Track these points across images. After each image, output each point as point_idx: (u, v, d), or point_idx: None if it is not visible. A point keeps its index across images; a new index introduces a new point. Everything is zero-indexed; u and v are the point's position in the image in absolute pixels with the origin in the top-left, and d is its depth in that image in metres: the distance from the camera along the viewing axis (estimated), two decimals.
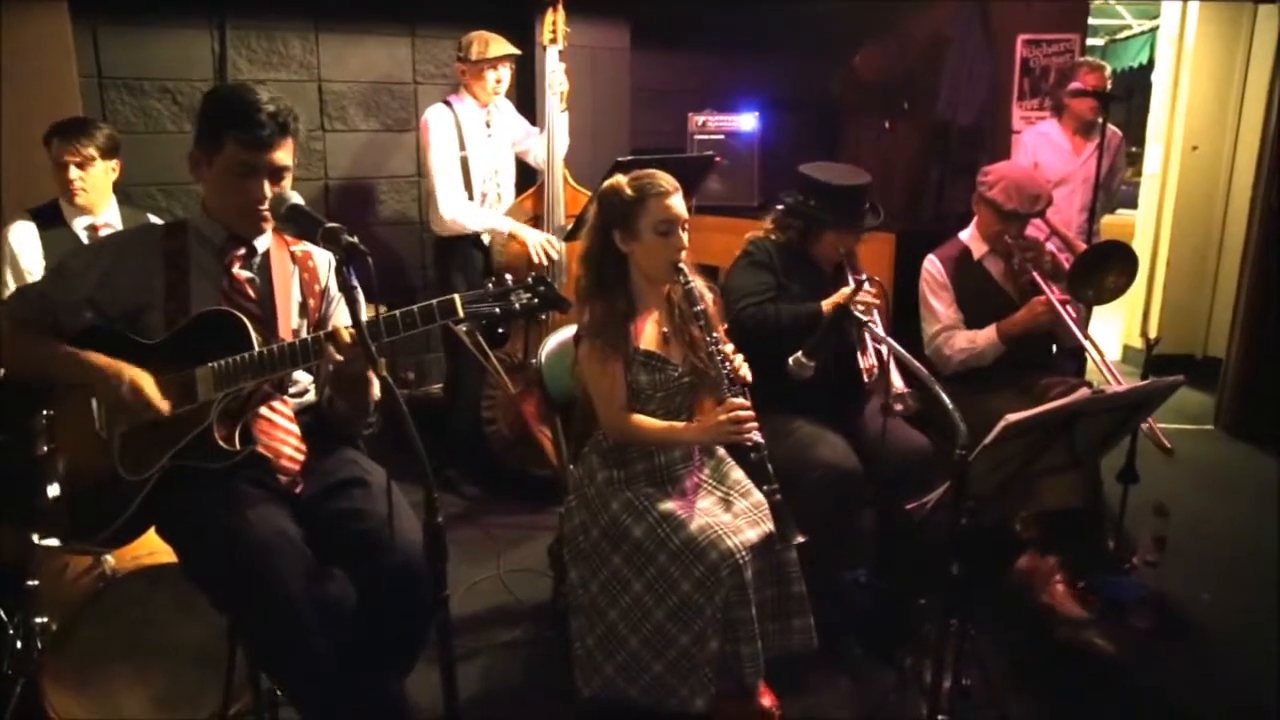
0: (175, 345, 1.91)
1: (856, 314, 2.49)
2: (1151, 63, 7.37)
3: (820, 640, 2.36)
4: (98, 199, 2.95)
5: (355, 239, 1.67)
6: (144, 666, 2.25)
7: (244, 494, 1.90)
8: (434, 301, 1.87)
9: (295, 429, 2.03)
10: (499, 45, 3.73)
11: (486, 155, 3.87)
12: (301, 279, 2.12)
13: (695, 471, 2.40)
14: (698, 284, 2.29)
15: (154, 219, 3.02)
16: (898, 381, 2.58)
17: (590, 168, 4.01)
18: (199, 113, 1.98)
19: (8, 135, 3.21)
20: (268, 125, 1.89)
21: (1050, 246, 3.22)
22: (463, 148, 3.77)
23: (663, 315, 2.36)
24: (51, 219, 2.95)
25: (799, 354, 2.43)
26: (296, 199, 1.88)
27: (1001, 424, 1.87)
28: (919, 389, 2.51)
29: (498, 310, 1.91)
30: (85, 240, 2.92)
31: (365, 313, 1.65)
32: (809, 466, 2.56)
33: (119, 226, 2.98)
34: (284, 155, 1.94)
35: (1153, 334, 5.40)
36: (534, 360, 2.81)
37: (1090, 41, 7.55)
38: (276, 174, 1.94)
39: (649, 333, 2.33)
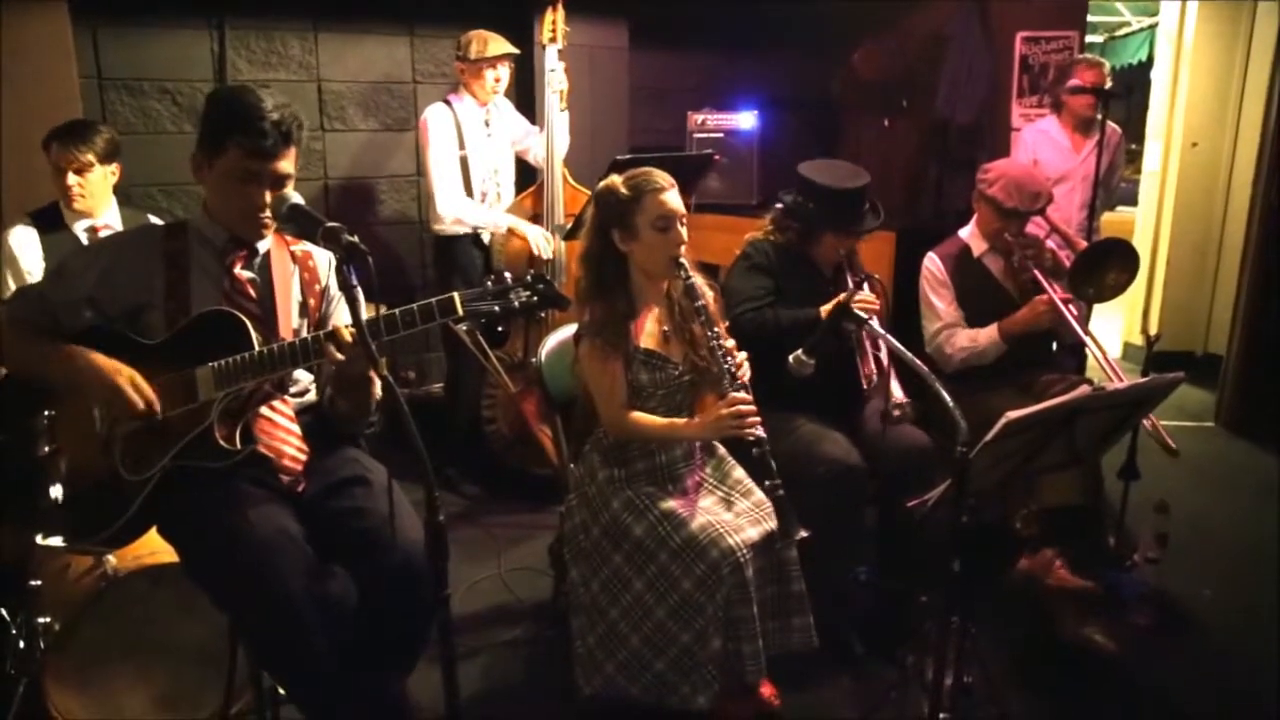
0: (175, 345, 1.91)
1: (856, 312, 2.48)
2: (1151, 59, 7.36)
3: (821, 638, 2.37)
4: (96, 203, 2.95)
5: (355, 238, 1.67)
6: (146, 666, 2.26)
7: (245, 493, 1.90)
8: (433, 300, 1.87)
9: (296, 428, 2.03)
10: (498, 44, 3.73)
11: (486, 154, 3.87)
12: (302, 279, 2.12)
13: (696, 470, 2.40)
14: (698, 279, 2.30)
15: (154, 220, 3.03)
16: (897, 392, 2.58)
17: (589, 167, 4.01)
18: (202, 114, 1.99)
19: (8, 136, 3.21)
20: (271, 135, 1.88)
21: (1050, 244, 3.22)
22: (462, 147, 3.78)
23: (663, 314, 2.36)
24: (51, 221, 2.95)
25: (799, 352, 2.42)
26: (297, 199, 1.88)
27: (1002, 421, 1.87)
28: (918, 395, 2.52)
29: (497, 308, 1.91)
30: (85, 242, 2.92)
31: (366, 312, 1.65)
32: (813, 463, 2.56)
33: (119, 228, 2.97)
34: (286, 164, 1.94)
35: (1153, 331, 5.38)
36: (534, 359, 2.81)
37: (1089, 38, 7.54)
38: (279, 182, 1.94)
39: (649, 331, 2.33)
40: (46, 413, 1.95)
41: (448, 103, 3.81)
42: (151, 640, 2.25)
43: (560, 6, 3.84)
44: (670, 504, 2.25)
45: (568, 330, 2.74)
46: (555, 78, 3.83)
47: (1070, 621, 2.77)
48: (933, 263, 3.18)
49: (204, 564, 1.89)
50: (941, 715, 2.13)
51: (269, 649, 1.88)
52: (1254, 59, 5.40)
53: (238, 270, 2.02)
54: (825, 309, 2.60)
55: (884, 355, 2.71)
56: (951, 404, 2.02)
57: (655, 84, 5.18)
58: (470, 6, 4.22)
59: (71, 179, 2.87)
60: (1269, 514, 3.67)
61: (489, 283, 1.93)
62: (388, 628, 1.94)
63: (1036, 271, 2.99)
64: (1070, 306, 2.95)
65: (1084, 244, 3.61)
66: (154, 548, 2.14)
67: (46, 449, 1.94)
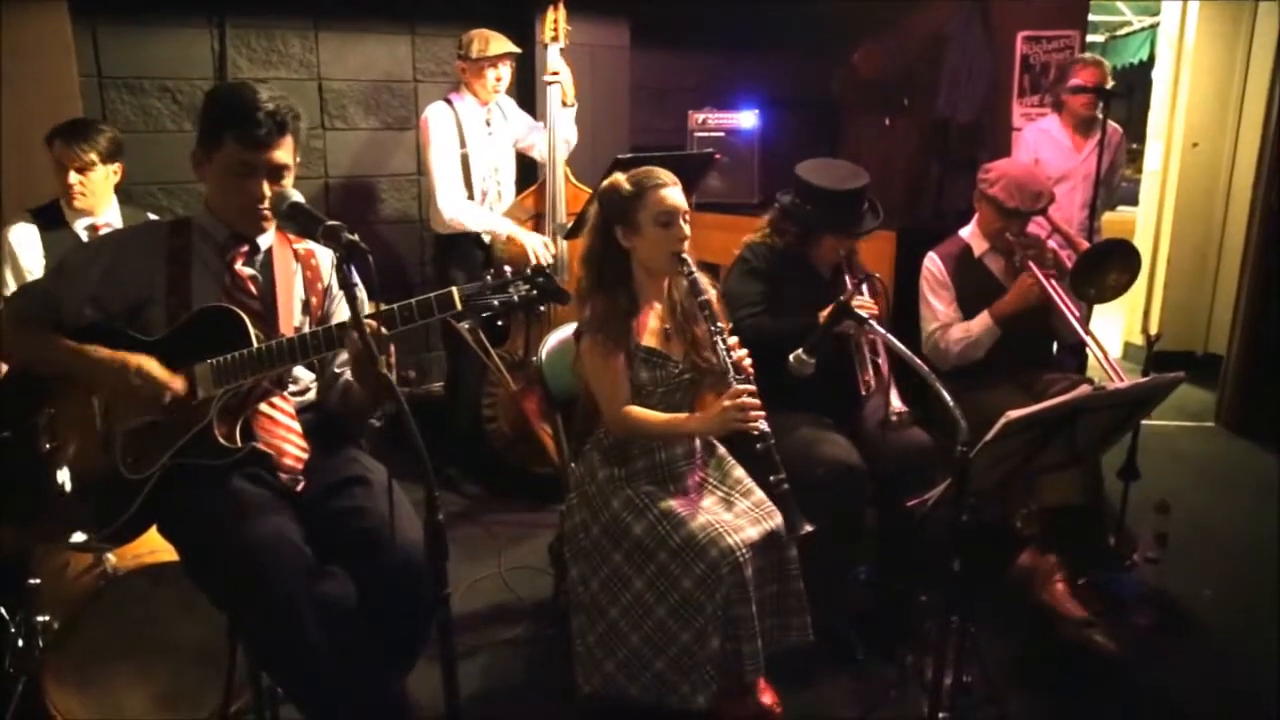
0: (175, 342, 1.91)
1: (857, 312, 2.48)
2: (1152, 59, 7.37)
3: (821, 637, 2.37)
4: (97, 202, 2.95)
5: (356, 237, 1.67)
6: (145, 665, 2.26)
7: (245, 492, 1.90)
8: (432, 295, 1.87)
9: (297, 426, 2.03)
10: (499, 43, 3.73)
11: (487, 153, 3.87)
12: (304, 277, 2.12)
13: (697, 469, 2.40)
14: (700, 275, 2.30)
15: (154, 218, 3.02)
16: (895, 401, 2.58)
17: (590, 166, 4.01)
18: (200, 111, 1.99)
19: (8, 135, 3.21)
20: (265, 124, 1.89)
21: (1051, 243, 3.21)
22: (463, 145, 3.77)
23: (664, 312, 2.37)
24: (52, 219, 2.95)
25: (799, 351, 2.42)
26: (297, 197, 1.88)
27: (1003, 420, 1.87)
28: (919, 395, 2.51)
29: (496, 302, 1.90)
30: (85, 240, 2.92)
31: (368, 309, 1.65)
32: (813, 463, 2.55)
33: (119, 226, 2.97)
34: (283, 154, 1.94)
35: (1153, 331, 5.38)
36: (535, 358, 2.81)
37: (1090, 38, 7.54)
38: (276, 173, 1.94)
39: (650, 329, 2.33)
40: (47, 410, 1.95)
41: (449, 101, 3.81)
42: (151, 639, 2.25)
43: (561, 5, 3.84)
44: (670, 503, 2.25)
45: (569, 328, 2.74)
46: (554, 90, 3.83)
47: (1070, 621, 2.77)
48: (933, 263, 3.18)
49: (203, 563, 1.89)
50: (941, 715, 2.13)
51: (268, 648, 1.88)
52: (1255, 59, 5.40)
53: (239, 266, 2.02)
54: (824, 314, 2.58)
55: (882, 362, 2.71)
56: (952, 403, 2.02)
57: (656, 83, 5.18)
58: (471, 5, 4.22)
59: (73, 177, 2.86)
60: (1269, 514, 3.67)
61: (488, 277, 1.92)
62: (387, 627, 1.93)
63: (1032, 265, 2.97)
64: (1069, 304, 2.94)
65: (1085, 243, 3.61)
66: (154, 546, 2.14)
67: (47, 446, 1.94)
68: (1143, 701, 2.60)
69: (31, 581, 2.22)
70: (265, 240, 2.07)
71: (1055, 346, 3.41)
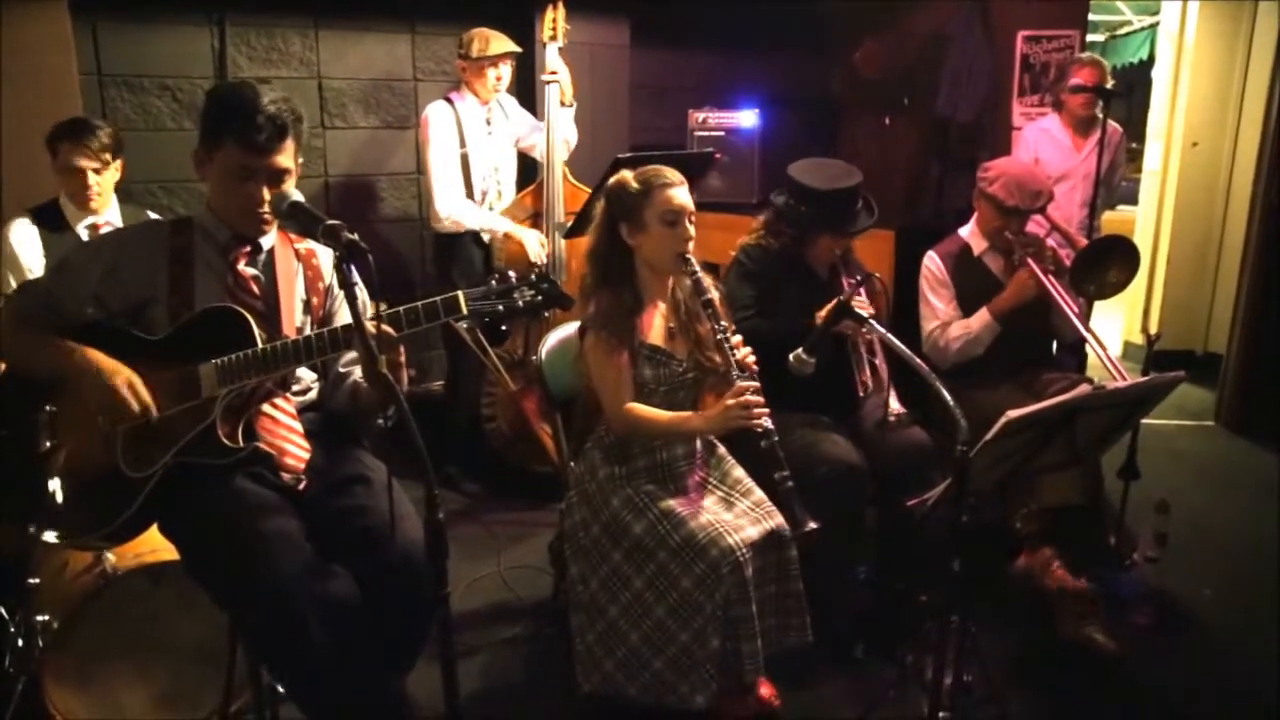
0: (178, 341, 1.91)
1: (858, 311, 2.47)
2: (1152, 59, 7.37)
3: (821, 637, 2.37)
4: (105, 200, 2.96)
5: (355, 236, 1.66)
6: (145, 664, 2.26)
7: (246, 491, 1.90)
8: (438, 299, 1.87)
9: (299, 426, 2.03)
10: (500, 43, 3.73)
11: (486, 152, 3.87)
12: (306, 276, 2.12)
13: (697, 469, 2.40)
14: (704, 275, 2.30)
15: (154, 217, 3.02)
16: (894, 403, 2.58)
17: (590, 165, 4.00)
18: (202, 111, 1.99)
19: (7, 133, 3.21)
20: (265, 129, 1.88)
21: (1051, 242, 3.22)
22: (463, 144, 3.77)
23: (668, 311, 2.37)
24: (52, 218, 2.94)
25: (799, 351, 2.42)
26: (297, 196, 1.88)
27: (1003, 420, 1.87)
28: (919, 394, 2.51)
29: (501, 308, 1.91)
30: (86, 239, 2.92)
31: (370, 309, 1.65)
32: (814, 463, 2.55)
33: (119, 225, 2.97)
34: (284, 159, 1.94)
35: (1153, 330, 5.40)
36: (534, 357, 2.81)
37: (1091, 37, 7.54)
38: (276, 177, 1.94)
39: (654, 328, 2.34)
40: (48, 408, 1.95)
41: (449, 100, 3.80)
42: (151, 638, 2.25)
43: (561, 4, 3.84)
44: (670, 502, 2.25)
45: (568, 328, 2.74)
46: (552, 89, 3.83)
47: (1070, 621, 2.77)
48: (933, 262, 3.18)
49: (204, 562, 1.89)
50: (941, 714, 2.14)
51: (268, 647, 1.88)
52: (1255, 59, 5.40)
53: (241, 266, 2.02)
54: (821, 315, 2.58)
55: (880, 362, 2.71)
56: (952, 403, 2.02)
57: (656, 82, 5.17)
58: (471, 4, 4.21)
59: (92, 179, 2.88)
60: (1269, 514, 3.67)
61: (493, 282, 1.92)
62: (388, 626, 1.93)
63: (1031, 262, 2.97)
64: (1068, 299, 2.94)
65: (1084, 241, 3.61)
66: (154, 545, 2.14)
67: (48, 444, 1.93)
68: (1143, 701, 2.60)
69: (31, 581, 2.21)
70: (267, 240, 2.07)
71: (1055, 346, 3.41)
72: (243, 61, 4.04)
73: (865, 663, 2.66)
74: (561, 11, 3.84)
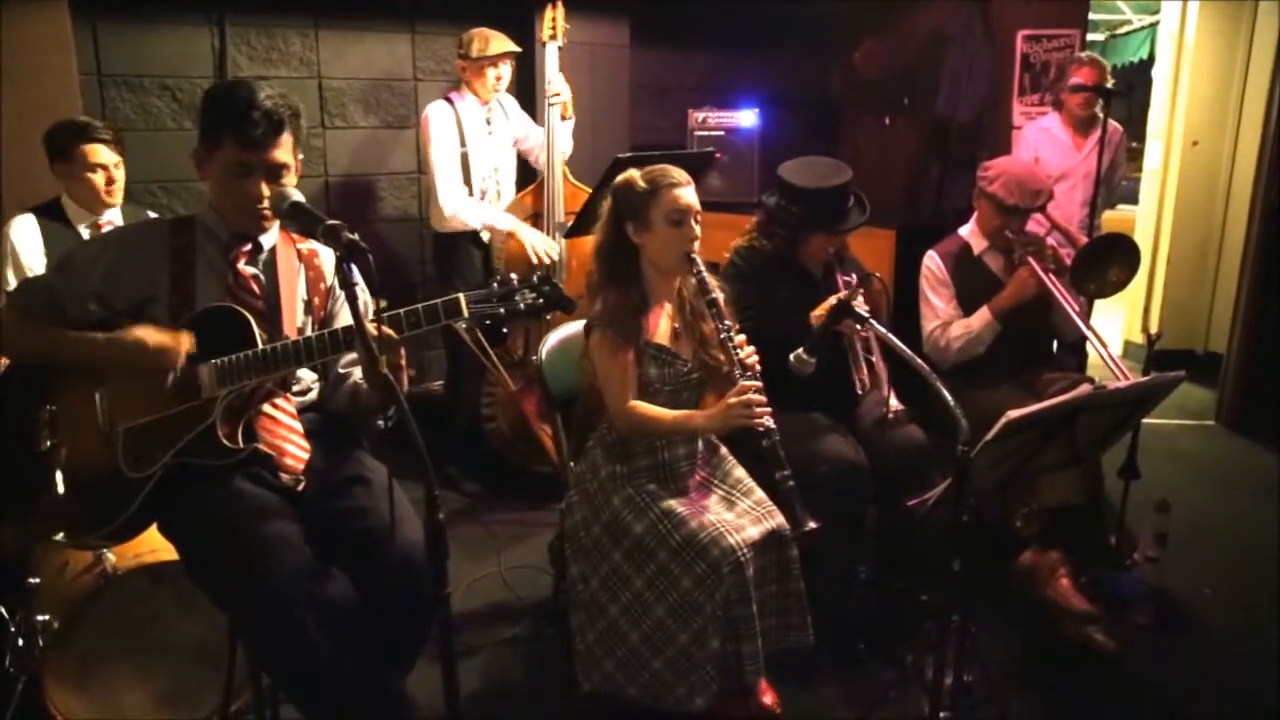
0: None
1: (858, 310, 2.47)
2: (1152, 58, 7.36)
3: (821, 637, 2.37)
4: (120, 194, 2.98)
5: (356, 236, 1.66)
6: (145, 664, 2.26)
7: (245, 492, 1.90)
8: (438, 301, 1.87)
9: (298, 427, 2.03)
10: (500, 43, 3.72)
11: (487, 152, 3.87)
12: (308, 276, 2.12)
13: (698, 469, 2.40)
14: (709, 275, 2.30)
15: (154, 216, 3.02)
16: (893, 400, 2.57)
17: (590, 165, 4.01)
18: (200, 110, 1.99)
19: (7, 133, 3.21)
20: (261, 124, 1.88)
21: (1051, 241, 3.22)
22: (463, 144, 3.77)
23: (674, 311, 2.37)
24: (53, 217, 2.94)
25: (799, 351, 2.42)
26: (297, 196, 1.88)
27: (1003, 419, 1.87)
28: (919, 394, 2.51)
29: (503, 310, 1.91)
30: (87, 237, 2.92)
31: (371, 309, 1.65)
32: (814, 462, 2.55)
33: (120, 224, 2.97)
34: (281, 154, 1.94)
35: (1154, 329, 5.38)
36: (534, 357, 2.81)
37: (1091, 37, 7.53)
38: (274, 172, 1.94)
39: (660, 327, 2.34)
40: (48, 408, 1.95)
41: (449, 100, 3.80)
42: (151, 638, 2.25)
43: (560, 4, 3.84)
44: (670, 502, 2.25)
45: (568, 328, 2.74)
46: (554, 88, 3.83)
47: (1070, 621, 2.77)
48: (933, 261, 3.18)
49: (204, 562, 1.89)
50: (941, 714, 2.13)
51: (268, 648, 1.88)
52: (1255, 58, 5.40)
53: (241, 265, 2.02)
54: (817, 313, 2.57)
55: (877, 360, 2.71)
56: (952, 402, 2.02)
57: (656, 82, 5.17)
58: (471, 4, 4.21)
59: (116, 173, 2.92)
60: (1269, 513, 3.67)
61: (495, 284, 1.92)
62: (387, 626, 1.93)
63: (1031, 260, 2.97)
64: (1068, 297, 2.93)
65: (1085, 239, 3.61)
66: (153, 545, 2.14)
67: (47, 444, 1.93)
68: (1143, 701, 2.60)
69: (31, 581, 2.22)
70: (269, 239, 2.07)
71: (1056, 345, 3.41)
72: (243, 61, 4.03)
73: (865, 663, 2.66)
74: (561, 11, 3.84)
